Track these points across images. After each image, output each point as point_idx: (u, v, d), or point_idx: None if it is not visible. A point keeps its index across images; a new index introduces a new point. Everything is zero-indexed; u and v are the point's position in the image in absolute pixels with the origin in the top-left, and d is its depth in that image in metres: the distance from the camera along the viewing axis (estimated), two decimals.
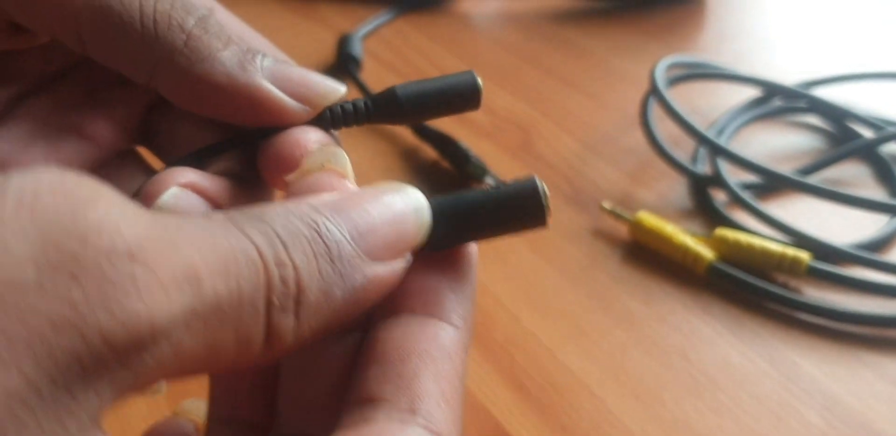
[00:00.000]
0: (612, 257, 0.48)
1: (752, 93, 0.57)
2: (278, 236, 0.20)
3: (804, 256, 0.44)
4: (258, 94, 0.26)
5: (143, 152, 0.33)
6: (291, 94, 0.27)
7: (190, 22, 0.26)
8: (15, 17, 0.26)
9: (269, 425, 0.25)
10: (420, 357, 0.22)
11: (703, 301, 0.45)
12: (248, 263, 0.19)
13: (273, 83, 0.26)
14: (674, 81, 0.55)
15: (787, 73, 0.60)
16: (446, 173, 0.54)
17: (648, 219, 0.47)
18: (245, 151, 0.27)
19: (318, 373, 0.24)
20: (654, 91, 0.52)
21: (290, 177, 0.26)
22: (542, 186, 0.24)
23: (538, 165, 0.54)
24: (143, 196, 0.25)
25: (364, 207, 0.22)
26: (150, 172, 0.33)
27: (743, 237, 0.45)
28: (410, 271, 0.23)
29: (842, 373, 0.41)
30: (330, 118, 0.28)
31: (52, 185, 0.17)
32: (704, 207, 0.50)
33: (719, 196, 0.50)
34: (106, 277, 0.17)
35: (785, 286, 0.45)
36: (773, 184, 0.49)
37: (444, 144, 0.54)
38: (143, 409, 0.38)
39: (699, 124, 0.52)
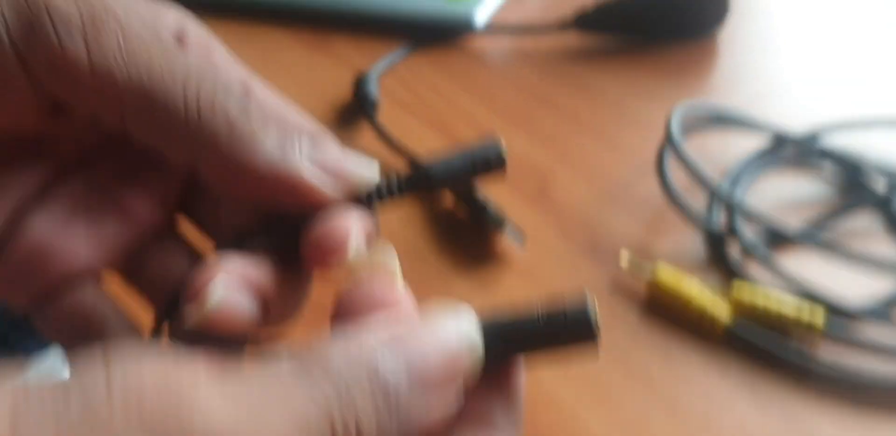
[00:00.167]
0: (631, 313, 0.48)
1: (766, 138, 0.57)
2: (347, 392, 0.21)
3: (820, 317, 0.45)
4: (298, 179, 0.27)
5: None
6: (330, 176, 0.28)
7: (232, 107, 0.27)
8: (58, 95, 0.27)
9: None
10: None
11: (721, 362, 0.46)
12: (319, 424, 0.21)
13: (312, 166, 0.27)
14: (689, 129, 0.55)
15: (801, 117, 0.61)
16: (463, 222, 0.55)
17: (667, 275, 0.48)
18: (286, 233, 0.28)
19: None
20: (669, 142, 0.53)
21: (332, 265, 0.27)
22: (594, 308, 0.25)
23: (555, 213, 0.55)
24: (191, 290, 0.26)
25: (422, 347, 0.23)
26: (192, 246, 0.33)
27: (760, 297, 0.46)
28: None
29: None
30: (367, 201, 0.29)
31: (155, 384, 0.18)
32: (720, 260, 0.51)
33: (735, 248, 0.51)
34: None
35: (801, 347, 0.46)
36: (786, 239, 0.49)
37: (462, 192, 0.54)
38: None
39: (714, 173, 0.53)
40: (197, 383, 0.19)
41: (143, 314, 0.32)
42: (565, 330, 0.25)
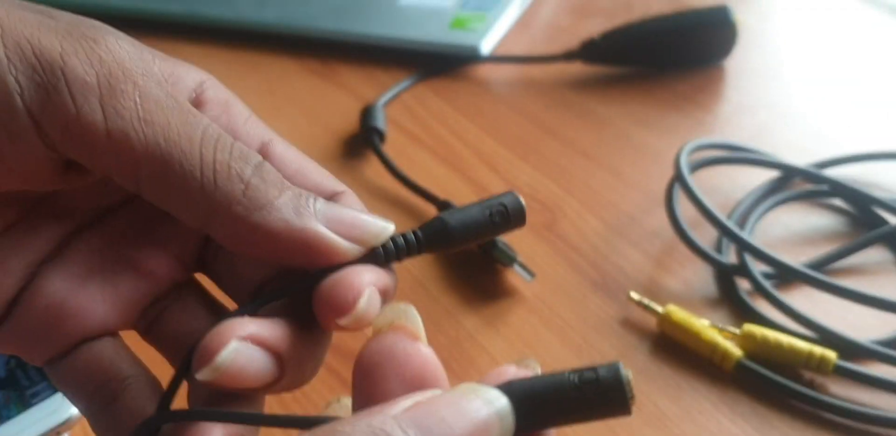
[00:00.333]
0: (641, 349, 0.48)
1: (775, 171, 0.57)
2: None
3: (831, 355, 0.45)
4: (314, 238, 0.27)
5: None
6: (344, 236, 0.27)
7: (248, 171, 0.27)
8: (73, 158, 0.27)
9: None
10: None
11: (730, 399, 0.45)
12: None
13: (326, 226, 0.27)
14: (697, 166, 0.55)
15: (809, 148, 0.61)
16: (472, 255, 0.55)
17: (677, 314, 0.48)
18: (302, 291, 0.28)
19: None
20: (678, 179, 0.53)
21: (343, 322, 0.26)
22: (627, 375, 0.24)
23: (563, 247, 0.55)
24: (203, 352, 0.25)
25: (446, 420, 0.22)
26: (210, 302, 0.33)
27: (771, 335, 0.46)
28: None
29: None
30: (383, 254, 0.28)
31: None
32: (730, 296, 0.51)
33: (745, 284, 0.51)
34: None
35: (811, 384, 0.46)
36: (793, 277, 0.49)
37: None
38: None
39: (722, 207, 0.53)
40: None
41: (164, 369, 0.31)
42: (599, 402, 0.24)
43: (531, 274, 0.52)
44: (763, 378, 0.45)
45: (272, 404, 0.45)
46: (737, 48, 0.70)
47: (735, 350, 0.46)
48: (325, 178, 0.31)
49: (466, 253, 0.55)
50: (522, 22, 0.79)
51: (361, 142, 0.65)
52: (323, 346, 0.29)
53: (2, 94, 0.25)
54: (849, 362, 0.45)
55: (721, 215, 0.51)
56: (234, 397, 0.28)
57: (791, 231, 0.55)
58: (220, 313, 0.32)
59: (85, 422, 0.44)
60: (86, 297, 0.30)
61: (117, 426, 0.29)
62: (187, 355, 0.26)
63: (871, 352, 0.45)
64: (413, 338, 0.26)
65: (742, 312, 0.50)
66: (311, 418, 0.24)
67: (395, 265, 0.29)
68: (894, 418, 0.43)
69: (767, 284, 0.49)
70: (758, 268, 0.50)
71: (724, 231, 0.50)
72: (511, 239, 0.54)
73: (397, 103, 0.70)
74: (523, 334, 0.50)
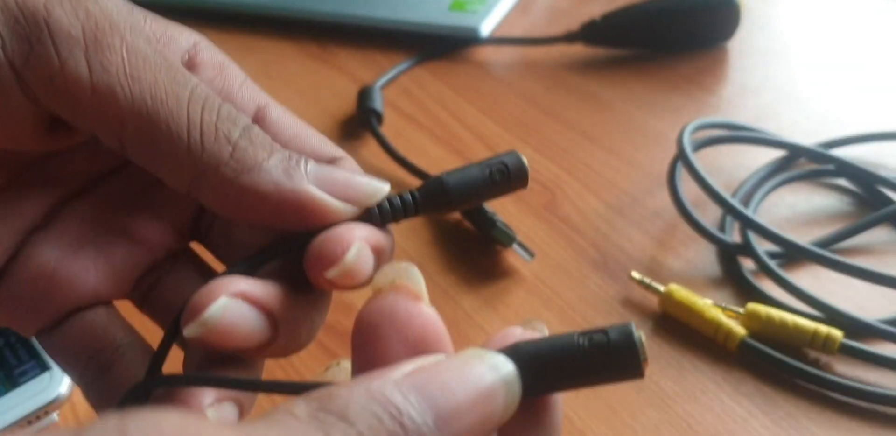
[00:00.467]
0: (642, 329, 0.47)
1: (779, 151, 0.56)
2: None
3: (837, 333, 0.44)
4: (305, 199, 0.26)
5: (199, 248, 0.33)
6: (337, 196, 0.27)
7: (236, 133, 0.26)
8: (57, 113, 0.26)
9: None
10: None
11: (734, 378, 0.44)
12: None
13: (319, 187, 0.26)
14: (700, 143, 0.54)
15: (813, 129, 0.60)
16: (471, 235, 0.54)
17: (679, 293, 0.47)
18: (297, 253, 0.27)
19: None
20: (681, 157, 0.52)
21: (330, 274, 0.25)
22: (640, 337, 0.23)
23: (564, 228, 0.54)
24: (191, 308, 0.25)
25: (449, 386, 0.21)
26: (206, 270, 0.32)
27: (775, 314, 0.45)
28: None
29: None
30: (379, 215, 0.27)
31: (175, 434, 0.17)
32: (734, 276, 0.50)
33: (749, 263, 0.50)
34: None
35: (817, 363, 0.45)
36: (800, 254, 0.48)
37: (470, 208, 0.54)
38: None
39: (726, 187, 0.52)
40: (220, 433, 0.18)
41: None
42: (611, 366, 0.23)
43: (531, 254, 0.51)
44: (767, 357, 0.44)
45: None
46: (740, 29, 0.69)
47: (739, 329, 0.45)
48: (323, 143, 0.30)
49: (465, 233, 0.54)
50: (522, 3, 0.78)
51: (359, 124, 0.64)
52: (319, 308, 0.28)
53: None
54: (854, 341, 0.44)
55: (725, 193, 0.50)
56: (230, 362, 0.27)
57: (796, 211, 0.54)
58: None
59: (73, 401, 0.44)
60: (77, 265, 0.29)
61: (111, 395, 0.29)
62: (177, 316, 0.25)
63: (877, 330, 0.44)
64: (415, 297, 0.25)
65: (746, 292, 0.49)
66: (306, 384, 0.23)
67: (398, 253, 0.28)
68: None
69: (772, 264, 0.48)
70: (762, 247, 0.49)
71: (728, 209, 0.49)
72: (510, 220, 0.53)
73: (395, 86, 0.69)
74: (522, 315, 0.49)
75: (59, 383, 0.43)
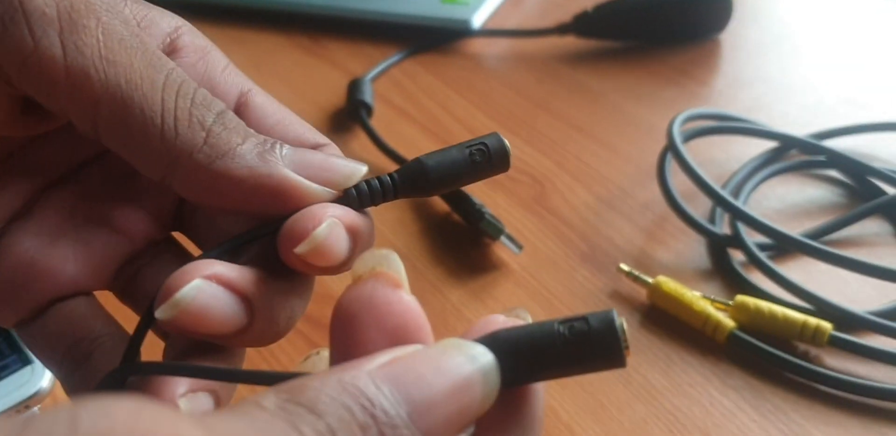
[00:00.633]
0: (630, 322, 0.47)
1: (770, 143, 0.56)
2: (330, 431, 0.19)
3: (826, 326, 0.43)
4: (280, 182, 0.26)
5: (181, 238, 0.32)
6: (314, 179, 0.26)
7: (210, 119, 0.26)
8: (32, 94, 0.25)
9: None
10: None
11: (722, 371, 0.44)
12: None
13: (294, 170, 0.26)
14: (691, 136, 0.54)
15: (805, 120, 0.59)
16: (459, 227, 0.53)
17: (668, 284, 0.46)
18: (271, 234, 0.27)
19: None
20: (671, 148, 0.51)
21: (300, 249, 0.25)
22: (622, 324, 0.22)
23: (553, 221, 0.54)
24: (164, 290, 0.24)
25: (425, 377, 0.20)
26: (188, 261, 0.32)
27: (764, 306, 0.45)
28: None
29: None
30: (357, 197, 0.27)
31: (127, 424, 0.17)
32: (723, 268, 0.49)
33: (739, 256, 0.50)
34: None
35: (806, 356, 0.44)
36: (791, 246, 0.48)
37: (458, 199, 0.53)
38: None
39: (717, 179, 0.51)
40: (176, 422, 0.17)
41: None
42: (591, 355, 0.22)
43: (519, 246, 0.51)
44: (756, 350, 0.44)
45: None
46: (732, 21, 0.69)
47: (728, 321, 0.45)
48: (307, 130, 0.30)
49: (453, 225, 0.54)
50: None
51: (348, 116, 0.64)
52: (299, 295, 0.27)
53: None
54: (844, 333, 0.43)
55: (715, 184, 0.49)
56: (210, 353, 0.27)
57: (787, 203, 0.54)
58: None
59: (55, 395, 0.43)
60: (57, 255, 0.29)
61: (89, 387, 0.28)
62: (152, 302, 0.25)
63: (867, 322, 0.44)
64: (394, 285, 0.24)
65: (735, 284, 0.48)
66: (282, 374, 0.22)
67: (379, 246, 0.27)
68: (890, 389, 0.42)
69: (762, 256, 0.48)
70: (752, 239, 0.49)
71: (718, 200, 0.49)
72: (499, 212, 0.53)
73: (386, 78, 0.69)
74: (510, 307, 0.48)
75: (40, 377, 0.42)
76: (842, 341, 0.43)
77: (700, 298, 0.46)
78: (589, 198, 0.55)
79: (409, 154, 0.58)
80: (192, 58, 0.29)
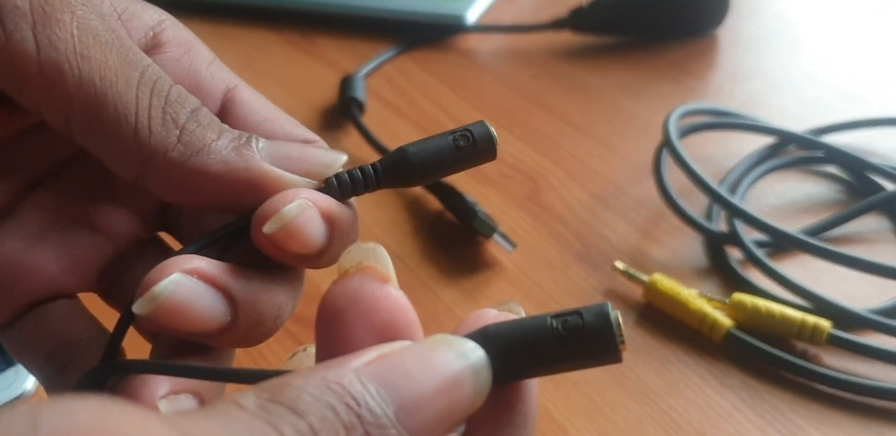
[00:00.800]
0: (626, 321, 0.46)
1: (768, 138, 0.55)
2: (312, 431, 0.18)
3: (825, 324, 0.43)
4: (258, 175, 0.25)
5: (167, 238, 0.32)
6: (293, 170, 0.25)
7: (183, 116, 0.25)
8: (3, 88, 0.25)
9: None
10: None
11: (719, 371, 0.43)
12: None
13: (272, 163, 0.25)
14: (687, 132, 0.53)
15: (803, 116, 0.59)
16: (452, 226, 0.52)
17: (663, 282, 0.46)
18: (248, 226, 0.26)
19: None
20: (667, 144, 0.51)
21: (267, 228, 0.24)
22: (617, 318, 0.21)
23: (547, 219, 0.53)
24: (142, 285, 0.23)
25: (413, 375, 0.19)
26: None
27: (762, 304, 0.44)
28: None
29: None
30: (338, 187, 0.26)
31: (90, 424, 0.16)
32: (720, 266, 0.49)
33: (736, 253, 0.49)
34: None
35: (804, 355, 0.43)
36: (789, 244, 0.47)
37: (450, 196, 0.52)
38: None
39: (713, 175, 0.51)
40: (145, 422, 0.17)
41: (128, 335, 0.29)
42: (586, 350, 0.21)
43: (513, 245, 0.50)
44: (754, 349, 0.43)
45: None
46: (729, 16, 0.68)
47: (725, 320, 0.44)
48: (295, 126, 0.29)
49: (446, 223, 0.53)
50: None
51: (341, 114, 0.63)
52: (286, 292, 0.26)
53: None
54: (843, 332, 0.43)
55: (711, 181, 0.48)
56: (198, 354, 0.26)
57: (784, 199, 0.53)
58: None
59: (40, 398, 0.42)
60: (39, 257, 0.28)
61: (70, 390, 0.27)
62: (132, 300, 0.24)
63: (866, 321, 0.43)
64: (382, 280, 0.23)
65: (732, 282, 0.48)
66: (266, 372, 0.22)
67: (378, 242, 0.27)
68: (890, 388, 0.41)
69: (759, 253, 0.47)
70: (749, 236, 0.48)
71: (715, 197, 0.48)
72: (492, 210, 0.52)
73: (379, 75, 0.68)
74: (503, 301, 0.47)
75: (24, 380, 0.42)
76: (841, 340, 0.42)
77: (696, 297, 0.45)
78: (583, 195, 0.54)
79: None
80: (177, 52, 0.28)
